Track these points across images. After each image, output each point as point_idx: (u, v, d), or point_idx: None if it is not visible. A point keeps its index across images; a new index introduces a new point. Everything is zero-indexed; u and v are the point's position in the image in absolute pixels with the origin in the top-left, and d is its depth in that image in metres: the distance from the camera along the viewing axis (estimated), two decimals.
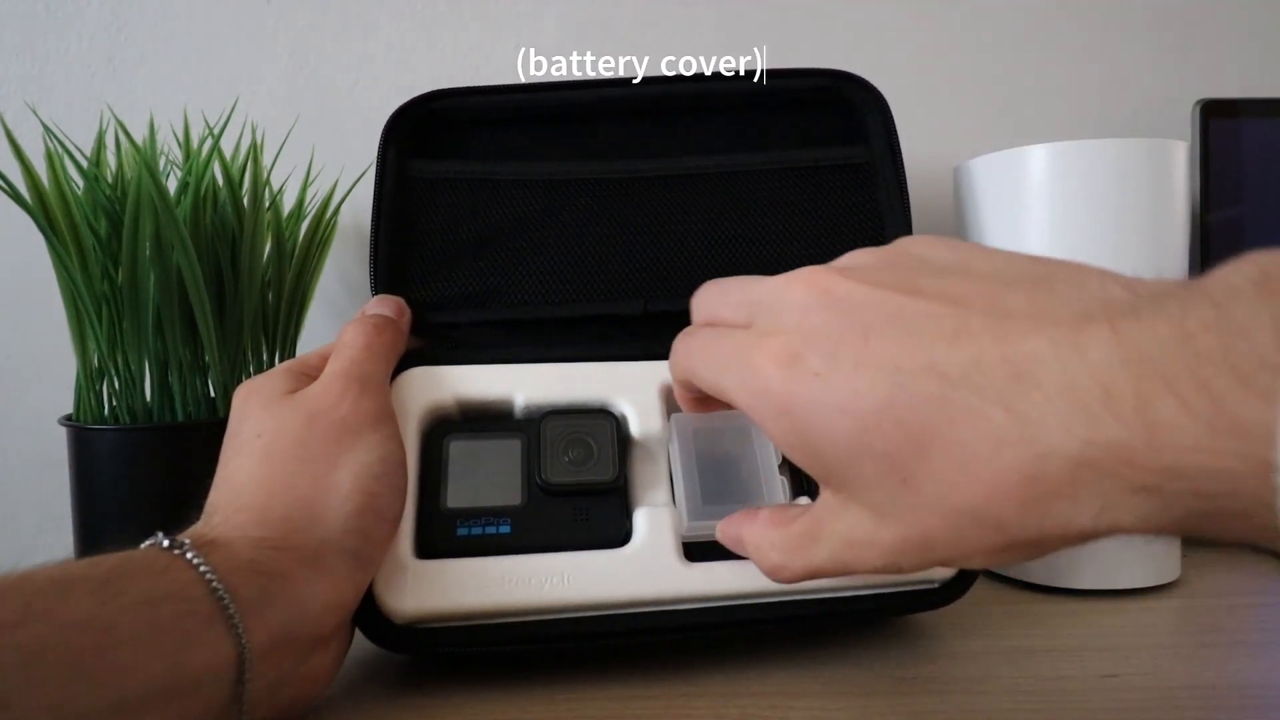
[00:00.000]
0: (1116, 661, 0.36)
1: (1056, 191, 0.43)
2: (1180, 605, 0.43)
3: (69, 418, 0.47)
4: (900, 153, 0.46)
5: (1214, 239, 0.54)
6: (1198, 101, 0.54)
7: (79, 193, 0.45)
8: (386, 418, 0.36)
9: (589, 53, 0.63)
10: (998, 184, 0.46)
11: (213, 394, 0.47)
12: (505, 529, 0.36)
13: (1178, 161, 0.44)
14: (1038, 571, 0.45)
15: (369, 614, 0.34)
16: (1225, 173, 0.54)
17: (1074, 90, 0.64)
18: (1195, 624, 0.41)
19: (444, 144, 0.47)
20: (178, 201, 0.45)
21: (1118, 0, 0.64)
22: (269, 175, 0.50)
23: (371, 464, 0.33)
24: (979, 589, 0.38)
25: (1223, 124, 0.54)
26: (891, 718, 0.32)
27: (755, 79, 0.47)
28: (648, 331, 0.44)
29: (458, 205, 0.46)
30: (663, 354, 0.41)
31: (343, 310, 0.62)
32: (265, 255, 0.48)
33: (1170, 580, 0.45)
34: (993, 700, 0.33)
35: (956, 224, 0.50)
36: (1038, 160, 0.44)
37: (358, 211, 0.60)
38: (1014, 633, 0.39)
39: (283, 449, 0.32)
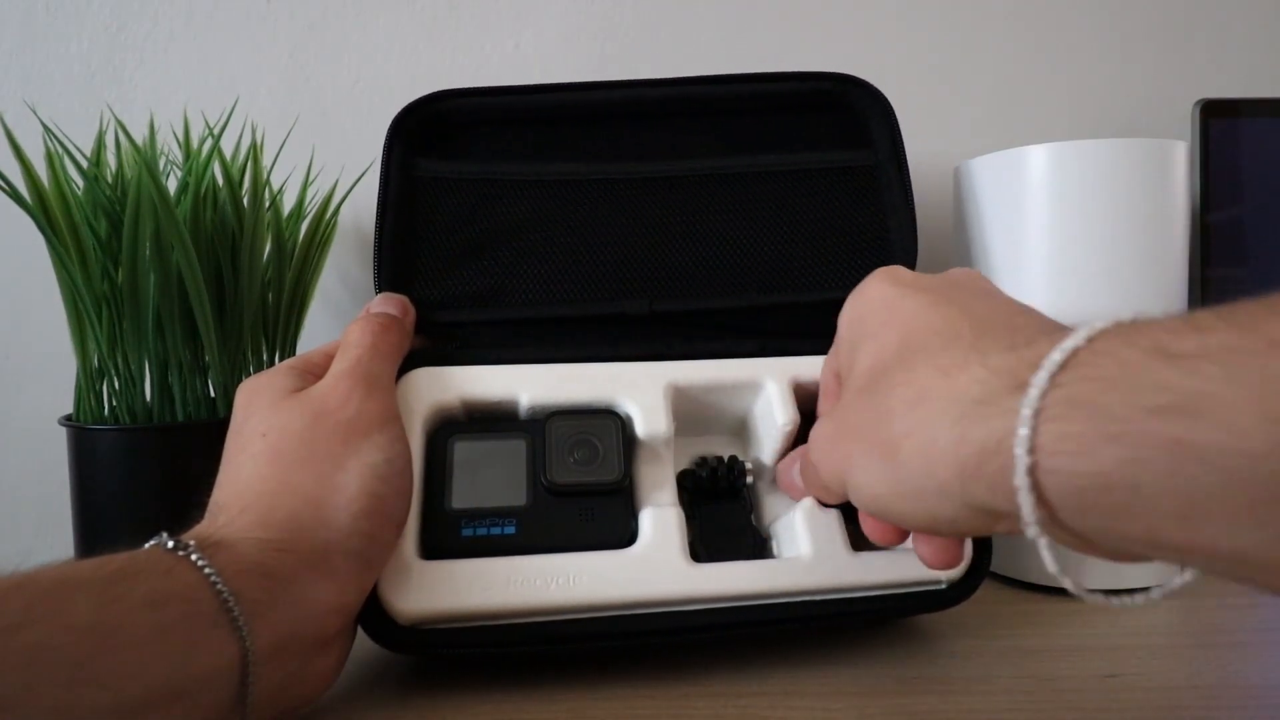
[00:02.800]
0: (1116, 661, 0.36)
1: (1056, 191, 0.43)
2: (1180, 605, 0.43)
3: (69, 418, 0.47)
4: (905, 156, 0.46)
5: (1214, 239, 0.54)
6: (1198, 101, 0.54)
7: (79, 193, 0.45)
8: (393, 418, 0.36)
9: (590, 54, 0.63)
10: (998, 184, 0.46)
11: (213, 394, 0.47)
12: (510, 529, 0.36)
13: (1178, 161, 0.44)
14: (1038, 571, 0.45)
15: (373, 615, 0.34)
16: (1225, 173, 0.54)
17: (1074, 90, 0.64)
18: (1195, 624, 0.41)
19: (449, 144, 0.47)
20: (178, 201, 0.45)
21: (1117, 0, 0.64)
22: (269, 175, 0.50)
23: (378, 465, 0.33)
24: (979, 589, 0.38)
25: (1223, 124, 0.54)
26: (891, 718, 0.32)
27: (758, 81, 0.47)
28: (653, 332, 0.44)
29: (462, 205, 0.46)
30: (667, 354, 0.41)
31: (343, 310, 0.62)
32: (265, 255, 0.48)
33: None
34: (993, 700, 0.33)
35: (956, 224, 0.50)
36: (1038, 160, 0.44)
37: (358, 211, 0.60)
38: (1014, 633, 0.40)
39: (288, 449, 0.32)
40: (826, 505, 0.38)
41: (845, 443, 0.29)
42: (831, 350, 0.35)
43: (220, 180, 0.47)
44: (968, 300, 0.28)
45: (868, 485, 0.27)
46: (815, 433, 0.32)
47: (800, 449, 0.37)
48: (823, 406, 0.38)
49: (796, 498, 0.39)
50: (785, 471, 0.39)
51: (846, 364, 0.31)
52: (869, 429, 0.27)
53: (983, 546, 0.38)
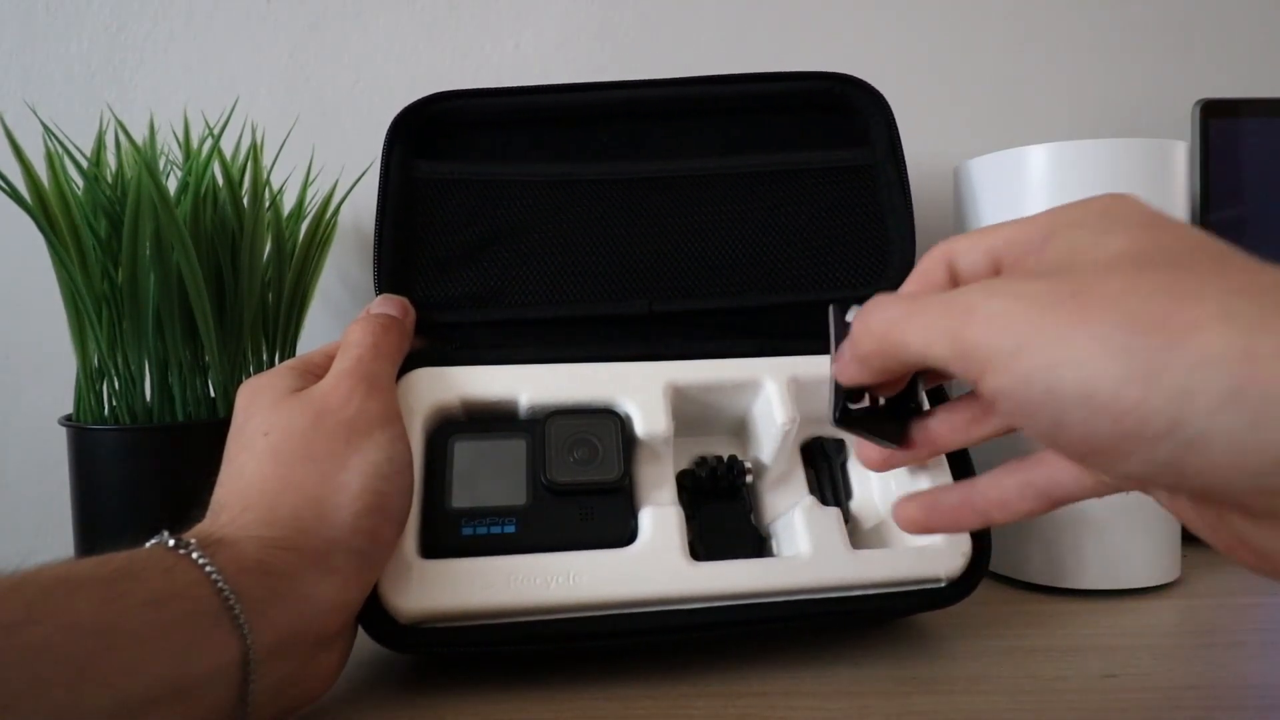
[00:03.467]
0: (1116, 661, 0.36)
1: (1056, 191, 0.43)
2: (1180, 605, 0.43)
3: (69, 418, 0.47)
4: (903, 156, 0.46)
5: None
6: (1198, 101, 0.54)
7: (79, 193, 0.45)
8: (394, 418, 0.36)
9: (589, 54, 0.63)
10: (998, 184, 0.46)
11: (213, 394, 0.47)
12: (510, 528, 0.36)
13: (1178, 161, 0.44)
14: (1038, 571, 0.45)
15: (374, 614, 0.34)
16: (1225, 173, 0.54)
17: (1074, 90, 0.64)
18: (1195, 624, 0.41)
19: (448, 145, 0.47)
20: (178, 201, 0.45)
21: (1117, 0, 0.64)
22: (269, 175, 0.50)
23: (380, 464, 0.33)
24: (979, 588, 0.38)
25: (1223, 124, 0.54)
26: (891, 718, 0.32)
27: (757, 81, 0.47)
28: (652, 332, 0.45)
29: (462, 206, 0.46)
30: (667, 354, 0.41)
31: (343, 310, 0.62)
32: (265, 255, 0.48)
33: (1170, 580, 0.45)
34: (993, 700, 0.33)
35: (956, 224, 0.50)
36: (1038, 160, 0.44)
37: (358, 211, 0.60)
38: (1014, 633, 0.40)
39: (290, 448, 0.32)
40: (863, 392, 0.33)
41: (1083, 300, 0.22)
42: (975, 235, 0.29)
43: (220, 180, 0.47)
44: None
45: (1089, 360, 0.21)
46: (991, 284, 0.25)
47: (890, 296, 0.29)
48: (914, 286, 0.31)
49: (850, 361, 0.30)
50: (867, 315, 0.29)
51: (1061, 248, 0.25)
52: (1144, 303, 0.21)
53: (982, 544, 0.38)
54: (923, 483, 0.39)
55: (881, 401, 0.34)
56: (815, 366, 0.42)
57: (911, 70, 0.63)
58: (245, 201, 0.46)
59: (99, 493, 0.45)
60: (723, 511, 0.41)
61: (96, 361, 0.46)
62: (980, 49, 0.64)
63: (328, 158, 0.58)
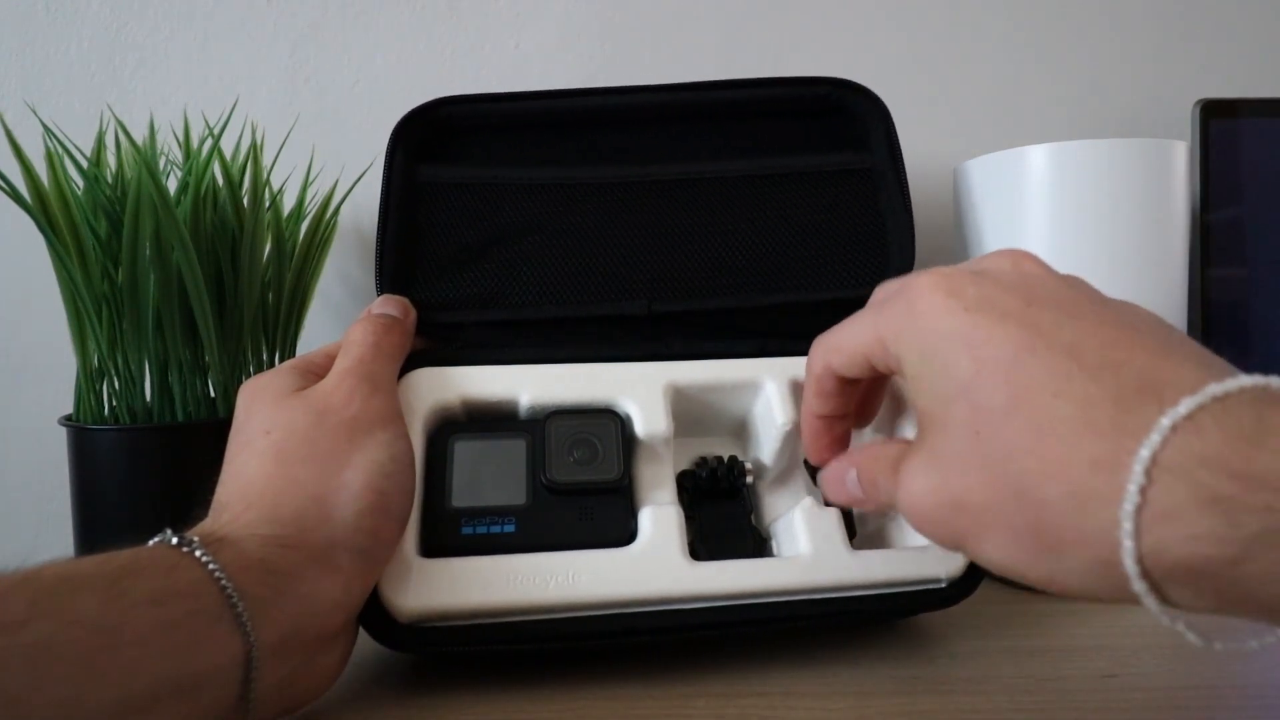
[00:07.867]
0: (1116, 661, 0.36)
1: (1056, 191, 0.43)
2: None
3: (69, 418, 0.47)
4: (902, 159, 0.46)
5: (1214, 239, 0.54)
6: (1198, 101, 0.54)
7: (79, 193, 0.45)
8: (395, 417, 0.36)
9: (589, 55, 0.63)
10: (998, 184, 0.46)
11: (213, 394, 0.47)
12: (510, 528, 0.36)
13: (1178, 161, 0.44)
14: None
15: (374, 613, 0.34)
16: (1225, 173, 0.54)
17: (1074, 90, 0.64)
18: (1195, 624, 0.41)
19: (450, 149, 0.47)
20: (178, 201, 0.45)
21: (1117, 0, 0.64)
22: (269, 175, 0.50)
23: (382, 463, 0.33)
24: (979, 589, 0.38)
25: (1223, 124, 0.54)
26: (891, 718, 0.32)
27: (756, 86, 0.47)
28: (652, 332, 0.45)
29: (464, 208, 0.46)
30: (667, 354, 0.42)
31: (343, 310, 0.62)
32: (265, 255, 0.48)
33: None
34: (993, 700, 0.33)
35: (956, 224, 0.50)
36: (1038, 160, 0.44)
37: (358, 211, 0.60)
38: (1014, 633, 0.40)
39: (293, 447, 0.32)
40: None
41: (974, 518, 0.25)
42: (850, 345, 0.31)
43: (220, 180, 0.47)
44: (1055, 331, 0.25)
45: (1004, 561, 0.25)
46: (917, 484, 0.27)
47: (852, 457, 0.33)
48: (818, 404, 0.35)
49: (847, 504, 0.34)
50: (836, 482, 0.33)
51: (924, 395, 0.27)
52: (1009, 512, 0.24)
53: None
54: None
55: None
56: None
57: (911, 70, 0.64)
58: (245, 201, 0.46)
59: (99, 493, 0.45)
60: (723, 512, 0.41)
61: (96, 361, 0.46)
62: (979, 49, 0.64)
63: (328, 158, 0.58)
